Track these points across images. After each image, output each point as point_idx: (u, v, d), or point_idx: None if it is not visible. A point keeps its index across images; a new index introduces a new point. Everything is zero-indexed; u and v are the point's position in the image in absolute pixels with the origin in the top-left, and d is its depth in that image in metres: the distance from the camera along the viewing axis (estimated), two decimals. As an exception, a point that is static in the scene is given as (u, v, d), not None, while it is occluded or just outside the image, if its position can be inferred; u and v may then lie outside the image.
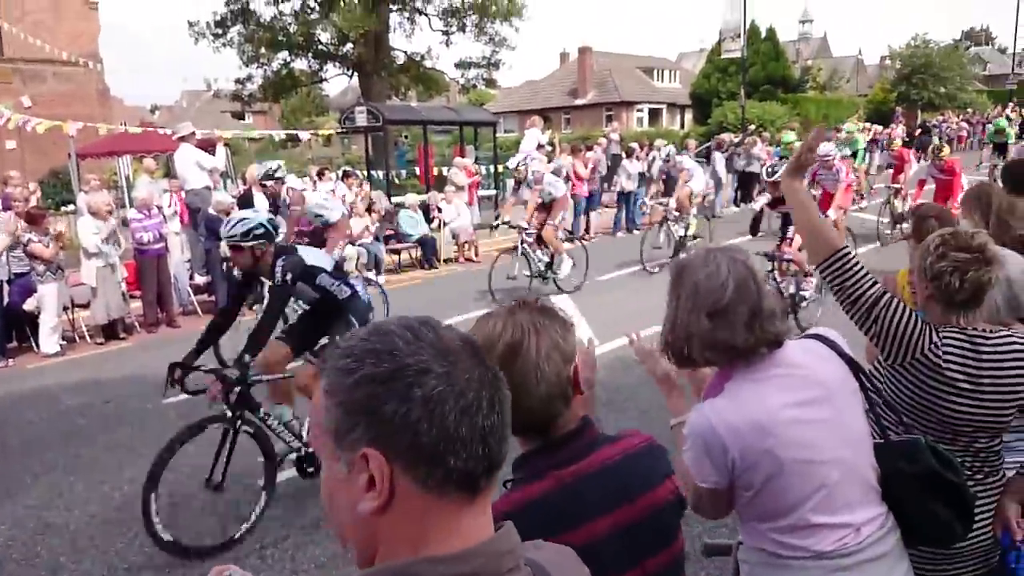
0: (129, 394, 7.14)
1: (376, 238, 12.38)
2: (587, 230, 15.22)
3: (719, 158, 18.11)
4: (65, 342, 9.14)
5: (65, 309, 9.32)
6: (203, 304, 10.68)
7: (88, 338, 9.44)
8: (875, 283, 2.17)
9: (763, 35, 34.67)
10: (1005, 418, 2.15)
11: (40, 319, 8.80)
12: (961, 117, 33.51)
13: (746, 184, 18.23)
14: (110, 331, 9.40)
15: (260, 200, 10.50)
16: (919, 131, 26.76)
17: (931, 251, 2.20)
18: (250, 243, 4.47)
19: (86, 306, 9.40)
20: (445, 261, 13.47)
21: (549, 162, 14.11)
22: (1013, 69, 45.71)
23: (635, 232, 15.70)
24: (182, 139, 10.99)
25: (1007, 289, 2.56)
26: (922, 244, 2.30)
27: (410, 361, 0.87)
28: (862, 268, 2.17)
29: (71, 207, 15.76)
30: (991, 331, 2.17)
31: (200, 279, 10.80)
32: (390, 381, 0.86)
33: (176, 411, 6.21)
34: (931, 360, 2.13)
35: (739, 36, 26.50)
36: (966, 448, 2.18)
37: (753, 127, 24.55)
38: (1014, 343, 2.13)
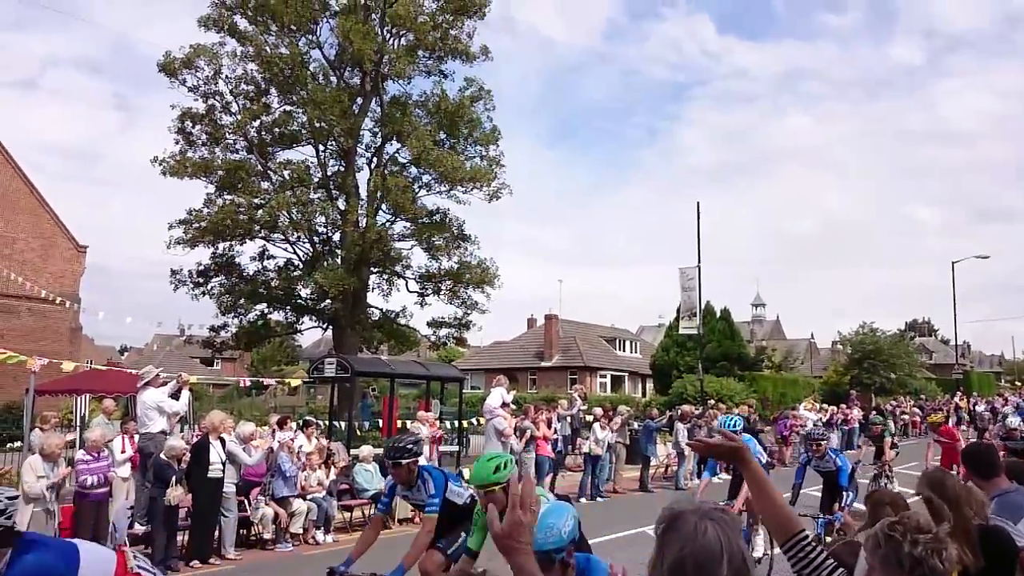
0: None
1: (329, 492, 11.97)
2: (552, 492, 14.91)
3: (681, 429, 18.32)
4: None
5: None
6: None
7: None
8: (835, 568, 2.16)
9: (718, 315, 36.68)
10: None
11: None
12: (914, 403, 34.62)
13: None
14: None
15: (216, 447, 10.29)
16: (873, 414, 27.56)
17: (902, 541, 2.10)
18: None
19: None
20: (399, 521, 12.89)
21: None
22: (956, 360, 48.47)
23: (599, 499, 15.43)
24: (147, 384, 11.02)
25: None
26: (874, 535, 2.21)
27: None
28: (820, 552, 2.18)
29: (18, 444, 15.21)
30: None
31: (140, 528, 10.18)
32: None
33: None
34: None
35: (695, 315, 28.02)
36: None
37: (713, 400, 25.15)
38: None
